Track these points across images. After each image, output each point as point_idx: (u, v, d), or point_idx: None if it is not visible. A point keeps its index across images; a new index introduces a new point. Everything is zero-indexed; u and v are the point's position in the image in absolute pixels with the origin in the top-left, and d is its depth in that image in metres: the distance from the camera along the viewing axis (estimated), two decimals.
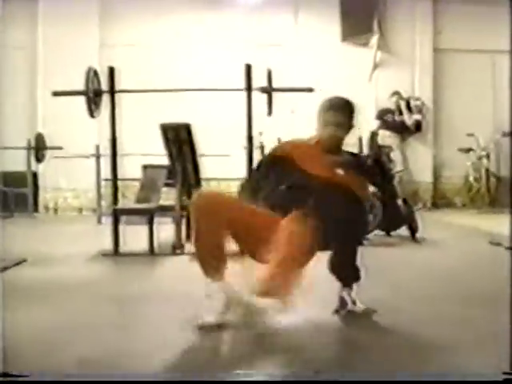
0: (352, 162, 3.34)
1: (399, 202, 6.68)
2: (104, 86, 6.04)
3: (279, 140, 10.12)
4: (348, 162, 3.32)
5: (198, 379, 2.18)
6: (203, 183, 6.27)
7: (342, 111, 3.29)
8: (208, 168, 6.83)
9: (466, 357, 2.57)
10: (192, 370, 2.31)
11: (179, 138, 5.65)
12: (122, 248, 5.73)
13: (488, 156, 10.48)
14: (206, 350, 2.69)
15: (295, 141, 3.56)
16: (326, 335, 2.98)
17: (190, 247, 5.76)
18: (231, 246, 3.04)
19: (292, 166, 3.26)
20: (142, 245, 5.70)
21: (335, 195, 3.05)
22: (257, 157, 6.03)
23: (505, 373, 2.22)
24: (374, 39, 10.96)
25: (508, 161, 10.01)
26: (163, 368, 2.41)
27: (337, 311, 3.23)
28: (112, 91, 6.01)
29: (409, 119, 10.92)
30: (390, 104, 10.98)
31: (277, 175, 3.29)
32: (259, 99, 6.14)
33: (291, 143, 3.54)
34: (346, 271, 3.22)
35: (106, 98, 6.02)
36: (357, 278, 3.24)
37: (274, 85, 6.19)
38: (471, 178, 10.77)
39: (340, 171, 3.23)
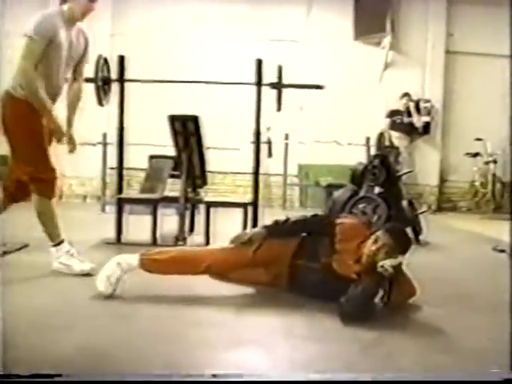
0: None
1: (404, 203, 6.66)
2: (114, 74, 6.02)
3: (286, 136, 10.18)
4: None
5: (197, 379, 2.18)
6: (209, 176, 6.26)
7: None
8: (214, 161, 6.81)
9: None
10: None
11: (186, 130, 5.65)
12: (125, 237, 5.74)
13: (495, 162, 10.43)
14: None
15: None
16: None
17: (192, 240, 5.77)
18: None
19: None
20: (145, 235, 5.70)
21: None
22: (263, 152, 6.01)
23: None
24: (387, 39, 10.92)
25: None
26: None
27: None
28: (121, 80, 6.00)
29: (417, 121, 10.89)
30: (400, 105, 10.94)
31: None
32: (268, 94, 6.11)
33: None
34: None
35: (115, 87, 6.00)
36: None
37: (284, 81, 6.15)
38: (477, 183, 10.75)
39: None
